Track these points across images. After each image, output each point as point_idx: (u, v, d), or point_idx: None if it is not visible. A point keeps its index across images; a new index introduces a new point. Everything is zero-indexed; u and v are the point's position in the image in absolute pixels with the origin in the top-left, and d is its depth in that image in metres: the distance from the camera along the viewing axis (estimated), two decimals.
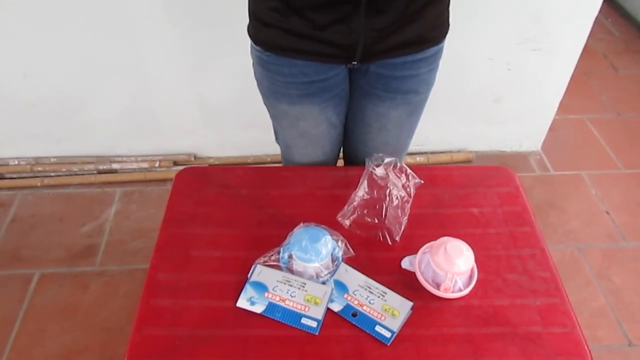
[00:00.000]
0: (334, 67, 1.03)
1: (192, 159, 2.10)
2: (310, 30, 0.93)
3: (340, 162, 1.32)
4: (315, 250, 0.88)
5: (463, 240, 0.89)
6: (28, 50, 1.71)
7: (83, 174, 2.04)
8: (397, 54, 1.00)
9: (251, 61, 1.08)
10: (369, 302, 0.87)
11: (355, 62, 1.00)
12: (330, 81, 1.05)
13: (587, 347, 0.83)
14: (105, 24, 1.66)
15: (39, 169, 2.03)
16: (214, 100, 1.91)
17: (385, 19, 0.92)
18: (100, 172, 2.05)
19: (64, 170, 2.04)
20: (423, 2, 0.92)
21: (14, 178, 2.03)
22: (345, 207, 1.00)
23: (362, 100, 1.12)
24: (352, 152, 1.27)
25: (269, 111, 1.16)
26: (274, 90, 1.08)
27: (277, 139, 1.24)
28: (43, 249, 1.78)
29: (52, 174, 2.04)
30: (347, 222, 1.00)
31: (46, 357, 1.49)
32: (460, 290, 0.88)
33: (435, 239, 0.90)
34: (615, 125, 2.35)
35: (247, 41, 1.05)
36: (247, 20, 1.02)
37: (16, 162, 2.04)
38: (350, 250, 0.94)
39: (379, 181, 0.96)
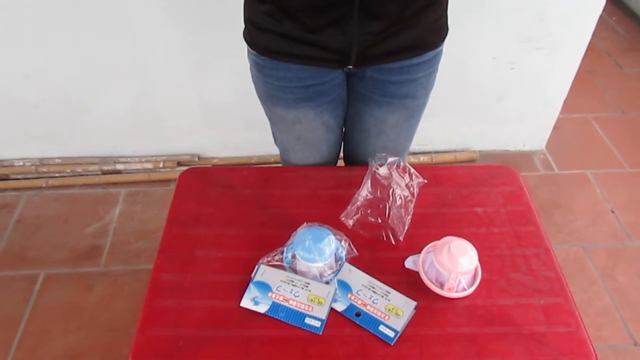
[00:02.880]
0: (329, 71, 1.02)
1: (196, 159, 2.10)
2: (303, 34, 0.93)
3: (340, 164, 1.32)
4: (319, 250, 0.88)
5: (467, 239, 0.89)
6: (30, 51, 1.72)
7: (87, 175, 2.05)
8: (394, 59, 0.99)
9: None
10: (373, 302, 0.87)
11: (351, 67, 0.99)
12: (326, 85, 1.04)
13: (592, 346, 0.83)
14: (107, 25, 1.66)
15: (44, 170, 2.04)
16: (217, 100, 1.92)
17: (380, 23, 0.91)
18: (104, 173, 2.05)
19: (68, 171, 2.05)
20: (419, 7, 0.91)
21: (19, 179, 2.04)
22: (349, 207, 1.00)
23: (360, 105, 1.11)
24: (351, 155, 1.26)
25: (266, 114, 1.16)
26: (270, 94, 1.07)
27: (275, 141, 1.24)
28: (48, 250, 1.78)
29: (57, 175, 2.05)
30: (350, 222, 1.00)
31: (51, 357, 1.49)
32: (464, 289, 0.87)
33: (438, 239, 0.90)
34: (620, 124, 2.34)
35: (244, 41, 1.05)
36: None
37: (21, 163, 2.05)
38: (354, 250, 0.94)
39: (382, 181, 0.96)
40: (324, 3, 0.88)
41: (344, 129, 1.22)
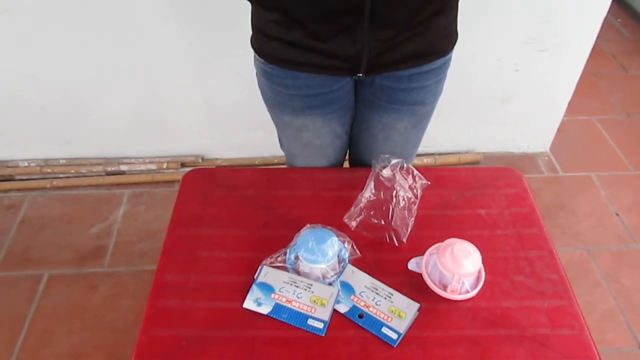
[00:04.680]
0: (338, 79, 1.01)
1: (200, 160, 2.11)
2: (313, 42, 0.92)
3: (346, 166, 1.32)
4: (322, 252, 0.88)
5: (470, 241, 0.88)
6: (37, 53, 1.73)
7: (91, 176, 2.05)
8: (404, 67, 0.98)
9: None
10: (376, 304, 0.87)
11: (361, 74, 0.98)
12: (335, 94, 1.04)
13: (596, 350, 0.82)
14: (111, 27, 1.67)
15: (48, 170, 2.05)
16: (220, 101, 1.92)
17: (390, 31, 0.90)
18: (108, 174, 2.06)
19: (72, 171, 2.05)
20: (430, 13, 0.90)
21: (24, 179, 2.05)
22: (352, 208, 1.00)
23: (368, 111, 1.11)
24: (358, 160, 1.26)
25: (273, 120, 1.16)
26: (278, 102, 1.07)
27: (281, 146, 1.24)
28: (52, 250, 1.79)
29: (61, 176, 2.05)
30: (353, 224, 1.00)
31: (55, 357, 1.50)
32: (468, 291, 0.87)
33: (442, 240, 0.90)
34: (624, 126, 2.33)
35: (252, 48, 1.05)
36: None
37: (26, 164, 2.06)
38: (357, 251, 0.94)
39: (386, 182, 0.95)
40: (334, 11, 0.87)
41: (350, 135, 1.22)
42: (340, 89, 1.04)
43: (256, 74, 1.08)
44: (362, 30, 0.89)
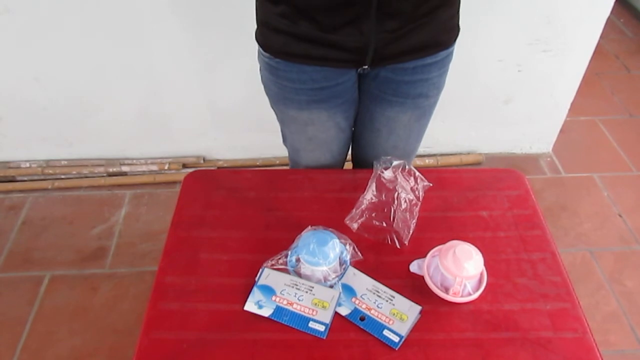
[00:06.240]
0: (343, 73, 1.02)
1: (201, 161, 2.11)
2: (320, 34, 0.92)
3: (348, 164, 1.32)
4: (323, 254, 0.87)
5: (472, 243, 0.88)
6: (39, 54, 1.73)
7: (93, 177, 2.06)
8: (409, 58, 0.99)
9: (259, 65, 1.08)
10: (377, 306, 0.86)
11: (366, 67, 0.99)
12: (340, 87, 1.04)
13: (599, 352, 0.82)
14: (114, 28, 1.67)
15: (50, 171, 2.05)
16: (223, 102, 1.92)
17: (396, 21, 0.91)
18: (110, 175, 2.06)
19: (74, 172, 2.06)
20: (434, 5, 0.92)
21: (26, 181, 2.05)
22: (354, 210, 0.99)
23: (371, 105, 1.11)
24: (360, 155, 1.26)
25: (276, 115, 1.16)
26: (283, 96, 1.07)
27: (284, 141, 1.24)
28: (54, 251, 1.79)
29: (63, 177, 2.06)
30: (355, 226, 0.99)
31: (56, 358, 1.50)
32: (470, 294, 0.87)
33: (444, 243, 0.89)
34: (627, 127, 2.32)
35: (257, 43, 1.05)
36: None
37: (27, 165, 2.06)
38: (358, 253, 0.93)
39: (388, 184, 0.95)
40: (341, 1, 0.87)
41: (353, 130, 1.22)
42: (345, 82, 1.04)
43: (260, 69, 1.08)
44: (369, 21, 0.89)
